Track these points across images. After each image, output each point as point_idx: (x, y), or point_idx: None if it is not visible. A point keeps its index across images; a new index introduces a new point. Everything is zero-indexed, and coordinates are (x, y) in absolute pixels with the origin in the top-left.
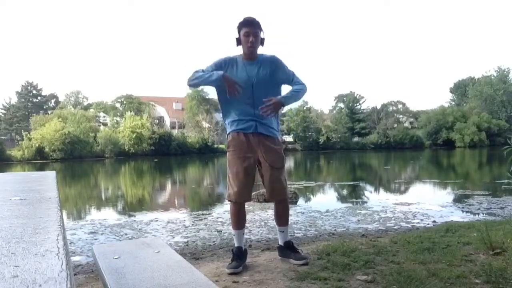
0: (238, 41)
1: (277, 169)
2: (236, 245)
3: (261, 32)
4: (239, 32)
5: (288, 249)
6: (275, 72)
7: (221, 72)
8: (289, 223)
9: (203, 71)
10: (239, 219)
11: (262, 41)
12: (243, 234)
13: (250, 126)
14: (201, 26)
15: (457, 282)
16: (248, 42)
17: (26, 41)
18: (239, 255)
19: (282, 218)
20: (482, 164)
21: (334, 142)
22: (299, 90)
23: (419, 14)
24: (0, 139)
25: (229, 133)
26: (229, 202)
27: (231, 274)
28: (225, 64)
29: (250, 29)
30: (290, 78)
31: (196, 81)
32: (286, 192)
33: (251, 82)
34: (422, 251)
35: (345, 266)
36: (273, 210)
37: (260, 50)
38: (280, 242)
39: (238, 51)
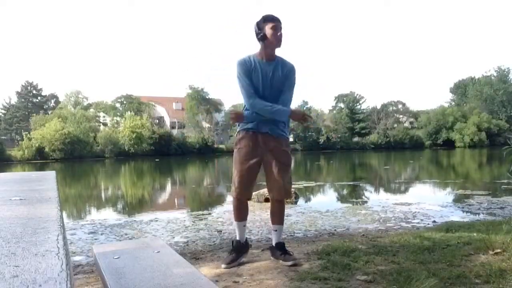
0: (263, 36)
1: (285, 168)
2: (237, 238)
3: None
4: (260, 28)
5: (278, 250)
6: (287, 78)
7: (287, 110)
8: (290, 223)
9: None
10: (239, 212)
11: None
12: (244, 226)
13: (260, 125)
14: (201, 26)
15: (457, 282)
16: (278, 34)
17: (26, 41)
18: (237, 248)
19: (277, 216)
20: (482, 164)
21: (334, 142)
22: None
23: (419, 14)
24: (0, 139)
25: (239, 131)
26: (232, 198)
27: (225, 268)
28: (247, 69)
29: (276, 23)
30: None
31: (263, 112)
32: (291, 192)
33: (266, 83)
34: (422, 251)
35: (345, 266)
36: None
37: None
38: (273, 243)
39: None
